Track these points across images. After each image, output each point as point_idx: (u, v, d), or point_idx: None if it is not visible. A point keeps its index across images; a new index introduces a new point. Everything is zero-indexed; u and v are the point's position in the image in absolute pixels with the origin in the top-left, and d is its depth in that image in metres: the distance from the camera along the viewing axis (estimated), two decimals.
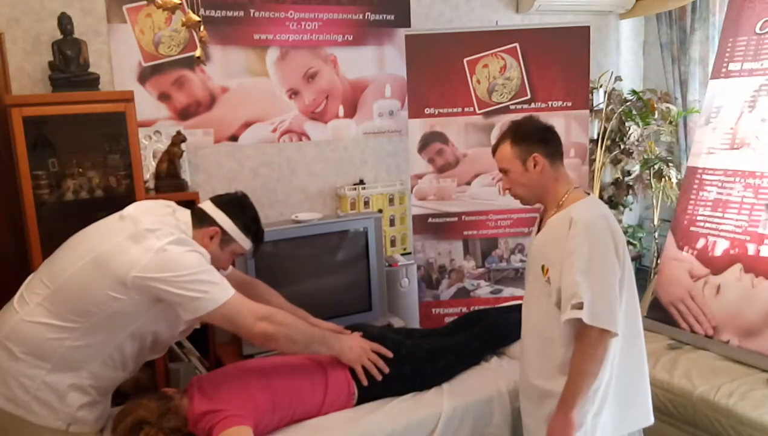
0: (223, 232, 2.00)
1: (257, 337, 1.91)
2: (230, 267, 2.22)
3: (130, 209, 1.96)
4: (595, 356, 1.70)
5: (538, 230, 1.94)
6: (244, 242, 2.06)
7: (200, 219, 2.00)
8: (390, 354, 2.18)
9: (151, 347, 2.03)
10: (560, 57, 3.21)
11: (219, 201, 2.06)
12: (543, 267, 1.82)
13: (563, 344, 1.78)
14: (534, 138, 1.84)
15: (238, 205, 2.07)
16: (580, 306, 1.67)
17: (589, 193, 1.88)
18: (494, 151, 1.92)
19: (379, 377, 2.13)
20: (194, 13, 1.81)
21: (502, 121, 3.25)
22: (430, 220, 3.34)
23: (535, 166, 1.83)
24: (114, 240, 1.83)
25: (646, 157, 3.91)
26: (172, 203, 2.07)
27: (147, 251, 1.79)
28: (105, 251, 1.82)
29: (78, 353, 1.83)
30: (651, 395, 1.98)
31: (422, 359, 2.24)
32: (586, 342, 1.70)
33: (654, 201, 4.02)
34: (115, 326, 1.85)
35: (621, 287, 1.76)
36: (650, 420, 1.97)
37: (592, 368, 1.72)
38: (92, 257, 1.82)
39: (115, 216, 1.96)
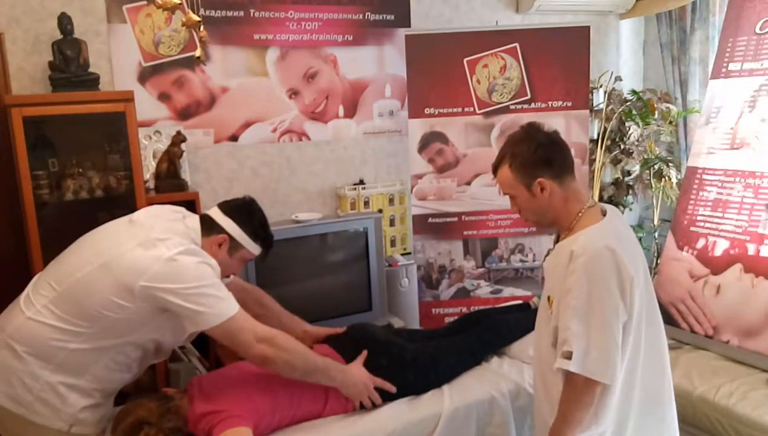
0: (231, 239, 1.99)
1: (256, 358, 1.89)
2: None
3: (140, 215, 1.95)
4: (579, 404, 1.56)
5: (552, 250, 1.77)
6: (253, 248, 2.05)
7: (209, 227, 1.99)
8: (393, 389, 2.13)
9: (155, 353, 2.02)
10: (560, 57, 3.21)
11: (226, 208, 2.04)
12: (549, 298, 1.67)
13: (562, 379, 1.62)
14: (535, 161, 1.63)
15: (245, 211, 2.05)
16: (569, 356, 1.53)
17: (605, 213, 1.69)
18: (494, 171, 1.74)
19: (371, 408, 2.11)
20: (194, 13, 1.81)
21: (503, 121, 3.25)
22: (430, 220, 3.34)
23: (542, 190, 1.64)
24: (124, 246, 1.82)
25: (646, 157, 3.91)
26: (182, 209, 2.06)
27: (156, 260, 1.78)
28: (114, 257, 1.80)
29: (82, 356, 1.83)
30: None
31: (425, 363, 2.24)
32: (572, 389, 1.57)
33: (654, 201, 4.02)
34: (119, 332, 1.85)
35: (627, 331, 1.57)
36: None
37: (575, 415, 1.57)
38: (101, 263, 1.81)
39: (125, 220, 1.95)
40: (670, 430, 1.76)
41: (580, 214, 1.66)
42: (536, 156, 1.64)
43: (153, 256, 1.78)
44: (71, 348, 1.81)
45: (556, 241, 1.76)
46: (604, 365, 1.53)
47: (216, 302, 1.81)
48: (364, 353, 2.18)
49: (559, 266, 1.61)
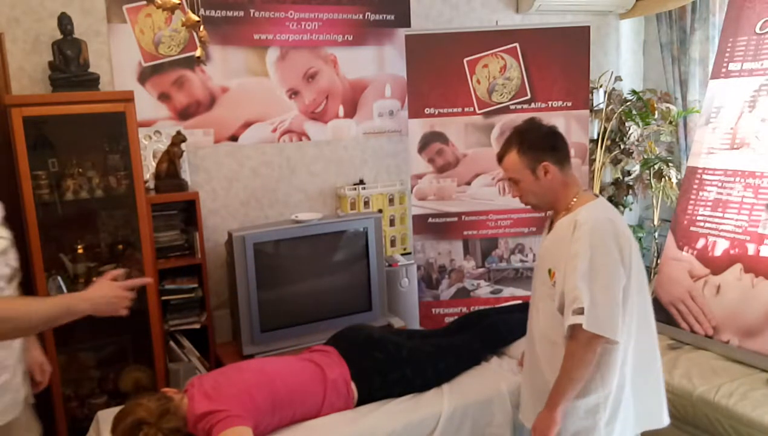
0: None
1: None
2: None
3: None
4: (583, 360, 1.68)
5: (549, 232, 1.90)
6: None
7: None
8: (149, 280, 1.84)
9: None
10: (560, 57, 3.21)
11: None
12: (549, 271, 1.79)
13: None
14: (542, 145, 1.79)
15: None
16: (581, 311, 1.65)
17: (597, 196, 1.84)
18: (500, 159, 1.87)
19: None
20: (194, 13, 1.81)
21: (503, 121, 3.25)
22: (430, 220, 3.34)
23: (546, 174, 1.79)
24: None
25: (646, 157, 3.91)
26: None
27: None
28: None
29: None
30: (666, 397, 1.95)
31: (423, 360, 2.24)
32: (576, 345, 1.68)
33: (654, 201, 4.02)
34: None
35: (627, 293, 1.72)
36: (664, 421, 1.94)
37: (578, 372, 1.69)
38: None
39: None
40: (660, 388, 1.92)
41: (576, 197, 1.81)
42: (543, 142, 1.81)
43: None
44: None
45: (550, 222, 1.91)
46: (609, 322, 1.66)
47: None
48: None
49: (563, 237, 1.75)
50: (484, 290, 3.38)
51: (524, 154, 1.80)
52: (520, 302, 2.91)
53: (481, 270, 3.39)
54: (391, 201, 3.53)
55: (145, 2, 2.92)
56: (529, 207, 1.91)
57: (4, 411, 1.73)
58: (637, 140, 3.85)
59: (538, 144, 1.79)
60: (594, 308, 1.64)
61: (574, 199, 1.80)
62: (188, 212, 2.95)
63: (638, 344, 1.80)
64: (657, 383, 1.90)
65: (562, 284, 1.72)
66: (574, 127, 3.26)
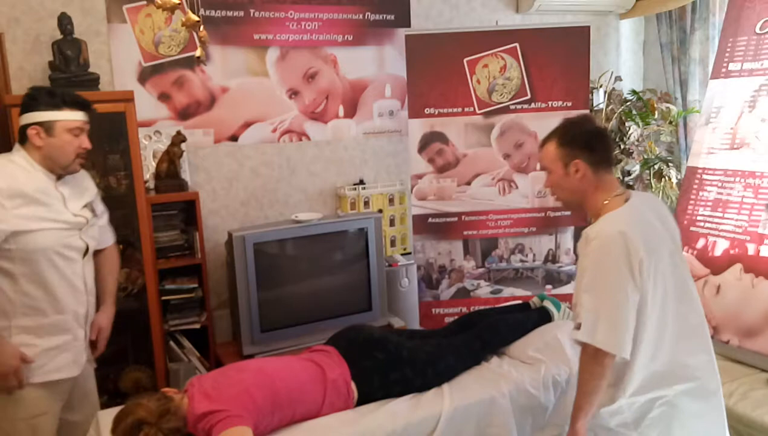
0: (39, 124, 1.94)
1: None
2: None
3: None
4: (592, 373, 1.67)
5: None
6: (65, 115, 1.97)
7: (20, 137, 1.97)
8: (32, 360, 1.94)
9: None
10: (560, 57, 3.21)
11: (20, 112, 2.01)
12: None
13: None
14: (580, 143, 1.77)
15: (28, 98, 2.00)
16: (579, 327, 1.66)
17: (628, 200, 1.78)
18: (541, 146, 1.87)
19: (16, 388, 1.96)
20: (194, 13, 1.81)
21: (503, 121, 3.25)
22: (430, 220, 3.34)
23: (576, 171, 1.76)
24: None
25: (646, 157, 3.91)
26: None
27: None
28: None
29: None
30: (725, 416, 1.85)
31: (423, 360, 2.24)
32: (585, 358, 1.69)
33: None
34: None
35: (644, 307, 1.67)
36: None
37: (588, 384, 1.68)
38: None
39: None
40: (712, 407, 1.81)
41: (606, 203, 1.76)
42: (582, 139, 1.78)
43: None
44: None
45: None
46: (612, 337, 1.63)
47: None
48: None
49: (580, 251, 1.76)
50: (484, 290, 3.38)
51: (561, 147, 1.78)
52: (520, 302, 2.91)
53: (481, 270, 3.39)
54: (391, 201, 3.54)
55: (145, 2, 2.93)
56: (562, 205, 1.90)
57: (63, 368, 1.99)
58: (637, 140, 3.85)
59: (576, 140, 1.77)
60: (596, 323, 1.63)
61: (606, 202, 1.76)
62: (188, 212, 2.96)
63: (678, 354, 1.75)
64: (707, 400, 1.80)
65: (577, 297, 1.72)
66: None
